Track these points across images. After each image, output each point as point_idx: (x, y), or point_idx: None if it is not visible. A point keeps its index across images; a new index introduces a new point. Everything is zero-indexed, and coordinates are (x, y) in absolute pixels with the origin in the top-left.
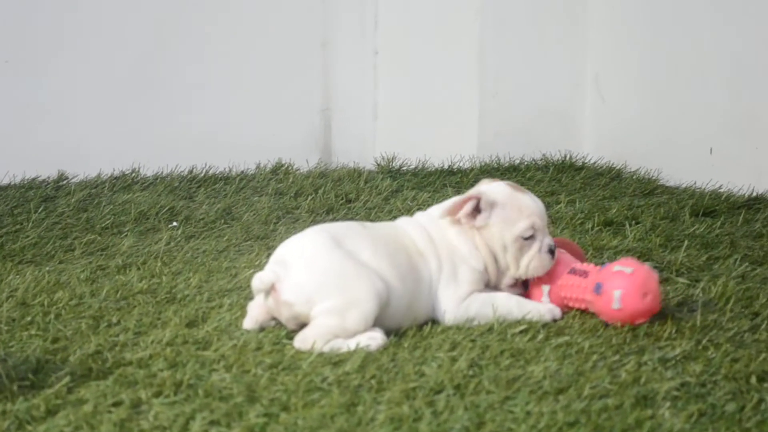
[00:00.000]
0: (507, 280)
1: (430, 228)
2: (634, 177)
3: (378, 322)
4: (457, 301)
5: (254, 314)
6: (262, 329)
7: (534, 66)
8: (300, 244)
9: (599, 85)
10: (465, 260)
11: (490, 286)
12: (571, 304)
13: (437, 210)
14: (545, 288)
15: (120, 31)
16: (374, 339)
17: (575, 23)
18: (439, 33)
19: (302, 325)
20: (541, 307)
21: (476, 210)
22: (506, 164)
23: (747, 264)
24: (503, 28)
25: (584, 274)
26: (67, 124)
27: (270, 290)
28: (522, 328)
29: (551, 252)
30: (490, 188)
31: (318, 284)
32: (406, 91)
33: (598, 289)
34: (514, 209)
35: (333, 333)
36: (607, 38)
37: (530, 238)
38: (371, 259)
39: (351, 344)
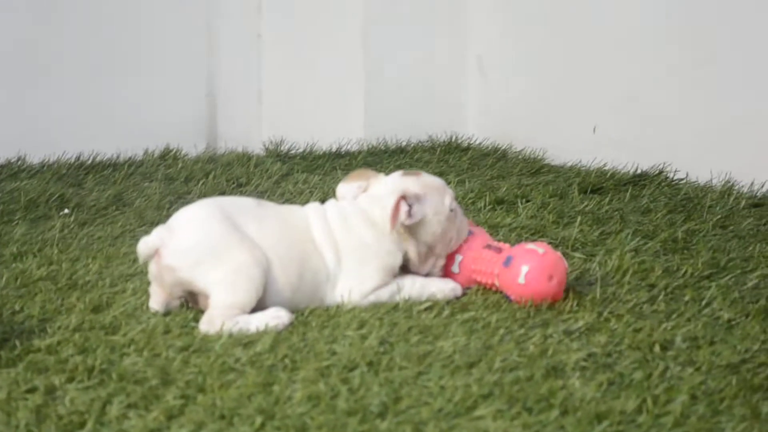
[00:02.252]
0: (439, 264)
1: (335, 219)
2: (520, 156)
3: (263, 303)
4: (361, 297)
5: (157, 294)
6: (168, 312)
7: (418, 47)
8: (187, 212)
9: (482, 65)
10: (377, 256)
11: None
12: (478, 278)
13: (342, 188)
14: (458, 258)
15: (1, 12)
16: (279, 318)
17: (459, 3)
18: (323, 15)
19: (188, 293)
20: (444, 287)
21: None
22: (393, 146)
23: (639, 238)
24: (387, 10)
25: (498, 250)
26: None
27: (153, 255)
28: (427, 305)
29: None
30: (396, 184)
31: (200, 250)
32: (292, 74)
33: (507, 261)
34: (432, 191)
35: (231, 307)
36: (490, 18)
37: (454, 209)
38: (255, 234)
39: (259, 324)
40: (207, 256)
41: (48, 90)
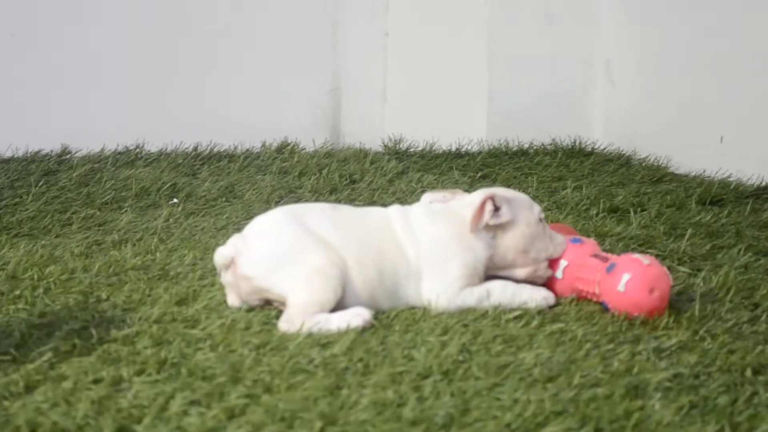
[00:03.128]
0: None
1: (417, 217)
2: (643, 164)
3: (342, 304)
4: (451, 295)
5: (234, 296)
6: (252, 308)
7: (544, 49)
8: (261, 220)
9: (610, 70)
10: (458, 252)
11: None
12: (580, 285)
13: (428, 196)
14: (563, 263)
15: (129, 7)
16: (360, 315)
17: (587, 6)
18: (449, 15)
19: (266, 301)
20: (536, 295)
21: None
22: (515, 148)
23: (751, 254)
24: (513, 10)
25: (605, 259)
26: (73, 99)
27: (229, 265)
28: (517, 313)
29: None
30: (490, 190)
31: (274, 257)
32: (416, 73)
33: (610, 268)
34: (518, 198)
35: (309, 305)
36: (618, 22)
37: (542, 219)
38: (329, 236)
39: (340, 323)
40: (281, 262)
41: (171, 81)
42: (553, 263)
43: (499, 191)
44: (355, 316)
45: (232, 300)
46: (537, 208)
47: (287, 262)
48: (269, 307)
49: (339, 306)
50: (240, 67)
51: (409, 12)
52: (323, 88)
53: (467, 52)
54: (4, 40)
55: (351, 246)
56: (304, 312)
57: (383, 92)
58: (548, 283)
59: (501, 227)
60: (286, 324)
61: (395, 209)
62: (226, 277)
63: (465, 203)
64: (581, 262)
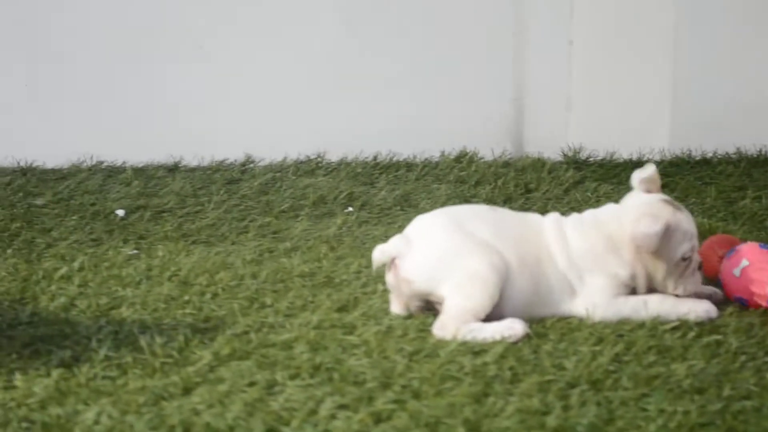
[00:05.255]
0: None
1: (570, 227)
2: None
3: (499, 309)
4: (607, 302)
5: (397, 301)
6: (410, 315)
7: (730, 58)
8: (422, 223)
9: None
10: (604, 267)
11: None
12: (753, 287)
13: (590, 215)
14: (744, 262)
15: (311, 20)
16: (513, 329)
17: None
18: (634, 22)
19: (427, 304)
20: (697, 308)
21: None
22: (697, 157)
23: None
24: (698, 19)
25: None
26: (256, 109)
27: (390, 265)
28: (674, 324)
29: (699, 268)
30: (651, 206)
31: (436, 262)
32: (599, 82)
33: None
34: (679, 232)
35: (464, 312)
36: None
37: (688, 258)
38: (490, 239)
39: (494, 334)
40: (442, 267)
41: (352, 91)
42: (734, 257)
43: (665, 212)
44: (508, 329)
45: (395, 307)
46: (687, 246)
47: (447, 265)
48: (427, 313)
49: (495, 310)
50: (421, 77)
51: (594, 20)
52: (505, 97)
53: (652, 60)
54: (192, 52)
55: (510, 249)
56: (458, 318)
57: (567, 101)
58: (723, 281)
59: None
60: (439, 330)
61: (551, 217)
62: (388, 279)
63: (620, 212)
64: (761, 266)
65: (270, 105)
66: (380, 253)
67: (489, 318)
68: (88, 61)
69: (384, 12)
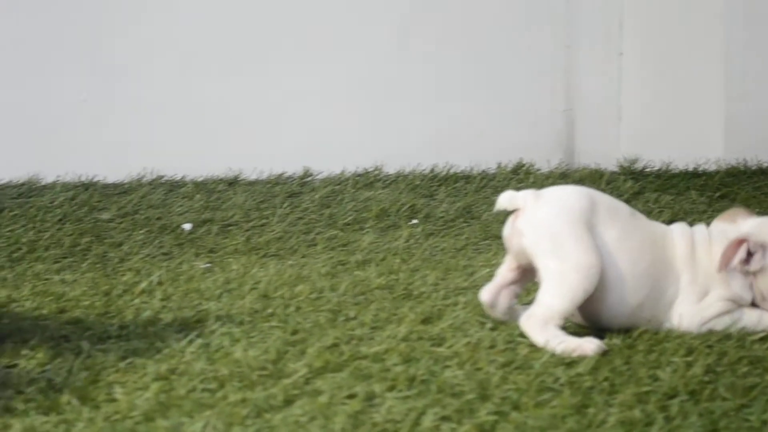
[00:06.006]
0: None
1: (700, 242)
2: None
3: (598, 313)
4: (699, 325)
5: (493, 285)
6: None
7: None
8: (560, 191)
9: None
10: (724, 286)
11: None
12: None
13: (718, 231)
14: None
15: (364, 32)
16: (592, 344)
17: None
18: (685, 33)
19: (523, 267)
20: None
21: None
22: (753, 167)
23: None
24: (750, 28)
25: None
26: (313, 122)
27: (515, 214)
28: (762, 335)
29: None
30: (753, 227)
31: (550, 229)
32: (651, 93)
33: None
34: None
35: (552, 308)
36: None
37: None
38: (610, 243)
39: (574, 347)
40: (553, 239)
41: (406, 103)
42: None
43: (756, 231)
44: (588, 343)
45: (486, 292)
46: None
47: (556, 244)
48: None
49: (595, 315)
50: (473, 89)
51: (644, 31)
52: (557, 109)
53: (704, 70)
54: (250, 66)
55: (631, 261)
56: (546, 316)
57: (618, 112)
58: None
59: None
60: (525, 319)
61: (679, 230)
62: (506, 229)
63: (724, 233)
64: None
65: (326, 118)
66: (508, 199)
67: (590, 318)
68: (145, 75)
69: (437, 24)
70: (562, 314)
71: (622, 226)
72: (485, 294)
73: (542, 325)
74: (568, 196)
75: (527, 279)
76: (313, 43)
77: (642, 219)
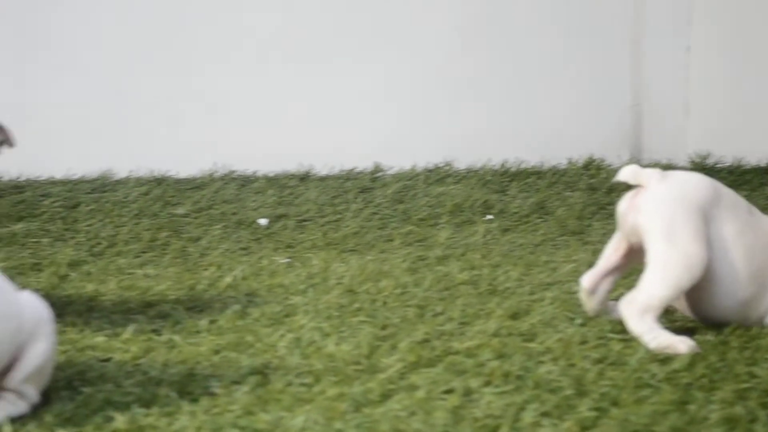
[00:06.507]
0: None
1: None
2: None
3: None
4: None
5: (596, 271)
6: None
7: None
8: (687, 175)
9: None
10: None
11: None
12: None
13: None
14: None
15: (434, 27)
16: (684, 342)
17: None
18: (753, 29)
19: (630, 247)
20: None
21: None
22: None
23: None
24: None
25: None
26: (382, 118)
27: (635, 190)
28: None
29: None
30: None
31: (670, 214)
32: (718, 88)
33: None
34: None
35: (654, 298)
36: None
37: None
38: (727, 237)
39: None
40: (668, 222)
41: (476, 101)
42: None
43: None
44: (681, 343)
45: (587, 278)
46: None
47: (671, 230)
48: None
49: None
50: (540, 85)
51: (712, 26)
52: (624, 103)
53: None
54: (318, 62)
55: (744, 259)
56: (647, 305)
57: (686, 107)
58: None
59: None
60: (626, 305)
61: None
62: (622, 204)
63: None
64: None
65: (395, 114)
66: (632, 173)
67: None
68: (216, 72)
69: (505, 19)
70: (663, 301)
71: (742, 222)
72: (587, 280)
73: (641, 314)
74: (693, 183)
75: (629, 264)
76: (383, 39)
77: (760, 216)
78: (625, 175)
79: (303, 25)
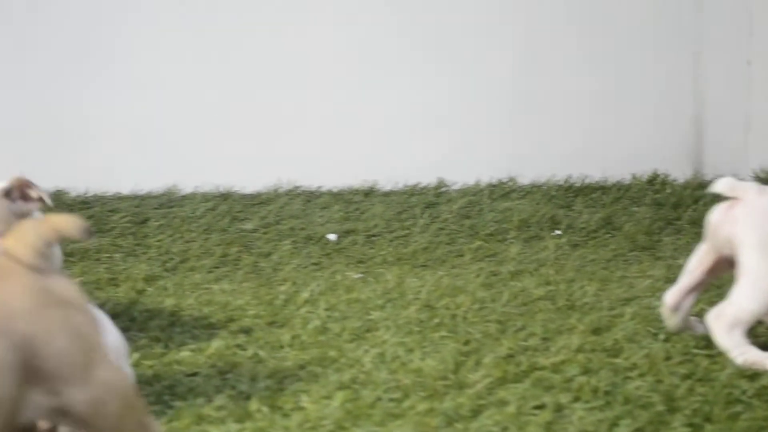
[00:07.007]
0: None
1: None
2: None
3: None
4: None
5: (679, 288)
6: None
7: None
8: None
9: None
10: None
11: None
12: None
13: None
14: None
15: (497, 44)
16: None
17: None
18: None
19: (718, 260)
20: None
21: None
22: None
23: None
24: None
25: None
26: (445, 133)
27: (731, 202)
28: None
29: None
30: None
31: (766, 226)
32: None
33: None
34: None
35: (744, 311)
36: None
37: None
38: None
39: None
40: (764, 236)
41: (539, 115)
42: None
43: None
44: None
45: (670, 295)
46: None
47: (766, 243)
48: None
49: None
50: (602, 100)
51: None
52: (687, 118)
53: None
54: (381, 78)
55: None
56: (737, 317)
57: (747, 122)
58: None
59: None
60: (714, 317)
61: None
62: (715, 214)
63: None
64: None
65: (458, 130)
66: (729, 186)
67: None
68: (278, 87)
69: (567, 34)
70: (753, 315)
71: None
72: (671, 297)
73: (730, 328)
74: None
75: (711, 280)
76: (448, 55)
77: None
78: (721, 186)
79: (368, 42)
